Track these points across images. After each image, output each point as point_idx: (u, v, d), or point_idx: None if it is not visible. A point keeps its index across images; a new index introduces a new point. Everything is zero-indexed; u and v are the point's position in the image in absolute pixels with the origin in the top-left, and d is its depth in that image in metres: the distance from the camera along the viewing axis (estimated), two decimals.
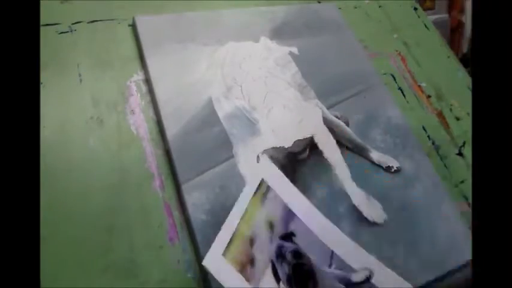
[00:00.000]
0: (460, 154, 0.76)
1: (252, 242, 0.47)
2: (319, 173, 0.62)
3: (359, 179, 0.63)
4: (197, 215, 0.54)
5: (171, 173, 0.57)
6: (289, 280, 0.46)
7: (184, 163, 0.57)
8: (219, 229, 0.53)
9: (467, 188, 0.72)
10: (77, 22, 0.64)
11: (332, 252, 0.49)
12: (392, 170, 0.66)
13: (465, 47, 1.79)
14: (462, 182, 0.72)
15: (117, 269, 0.49)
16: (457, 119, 0.81)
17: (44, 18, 0.61)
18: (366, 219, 0.60)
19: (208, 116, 0.62)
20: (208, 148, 0.59)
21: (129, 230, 0.52)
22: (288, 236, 0.48)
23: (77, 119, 0.57)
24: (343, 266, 0.50)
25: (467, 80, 0.88)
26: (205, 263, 0.44)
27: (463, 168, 0.74)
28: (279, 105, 0.66)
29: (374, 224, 0.60)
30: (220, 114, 0.62)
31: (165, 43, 0.65)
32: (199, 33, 0.69)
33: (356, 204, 0.61)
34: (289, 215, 0.50)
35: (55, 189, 0.51)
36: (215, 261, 0.44)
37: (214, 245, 0.45)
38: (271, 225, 0.49)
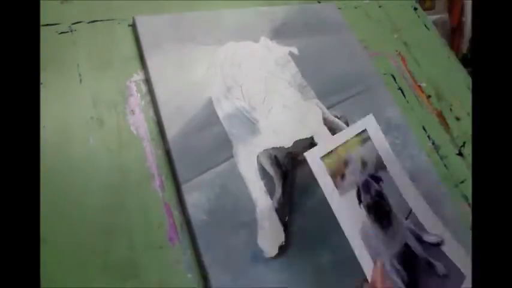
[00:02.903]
0: (460, 154, 0.76)
1: (346, 164, 0.53)
2: None
3: None
4: (197, 215, 0.54)
5: (171, 173, 0.57)
6: (369, 208, 0.53)
7: (184, 163, 0.57)
8: (219, 229, 0.53)
9: (467, 188, 0.72)
10: (77, 22, 0.64)
11: (411, 210, 0.55)
12: None
13: (465, 47, 1.79)
14: (462, 182, 0.72)
15: (117, 269, 0.49)
16: (457, 119, 0.81)
17: (44, 18, 0.61)
18: None
19: (208, 116, 0.62)
20: (208, 148, 0.59)
21: (129, 230, 0.52)
22: (376, 178, 0.55)
23: (77, 119, 0.57)
24: (418, 224, 0.55)
25: (467, 80, 0.88)
26: (306, 155, 0.50)
27: (463, 168, 0.74)
28: (279, 105, 0.66)
29: None
30: (220, 114, 0.62)
31: (165, 43, 0.65)
32: (199, 33, 0.69)
33: None
34: (380, 164, 0.57)
35: (55, 189, 0.51)
36: (315, 159, 0.51)
37: (316, 148, 0.52)
38: (364, 163, 0.55)
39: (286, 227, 0.56)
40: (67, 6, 0.65)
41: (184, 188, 0.55)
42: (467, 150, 0.76)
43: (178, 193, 0.56)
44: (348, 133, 0.55)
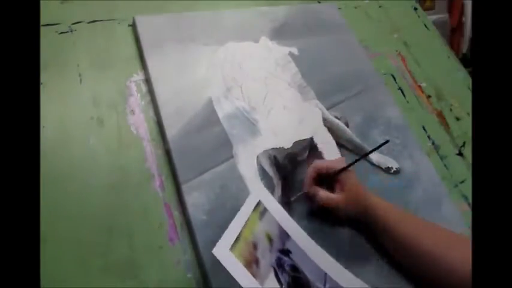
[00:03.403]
0: (460, 154, 0.76)
1: (255, 246, 0.50)
2: None
3: (358, 179, 0.63)
4: (197, 215, 0.54)
5: (171, 173, 0.57)
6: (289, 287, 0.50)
7: (184, 163, 0.57)
8: (219, 229, 0.53)
9: (467, 188, 0.72)
10: (77, 22, 0.64)
11: (325, 274, 0.52)
12: (392, 171, 0.66)
13: (465, 47, 1.79)
14: (462, 182, 0.72)
15: (117, 269, 0.49)
16: (457, 119, 0.81)
17: (44, 18, 0.61)
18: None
19: (208, 116, 0.62)
20: (208, 148, 0.59)
21: (129, 230, 0.52)
22: (285, 252, 0.52)
23: (77, 119, 0.57)
24: (337, 287, 0.52)
25: (467, 80, 0.88)
26: (215, 252, 0.46)
27: (463, 168, 0.74)
28: (279, 105, 0.66)
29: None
30: (220, 114, 0.62)
31: (165, 43, 0.65)
32: (199, 33, 0.69)
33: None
34: (285, 234, 0.53)
35: (55, 189, 0.51)
36: (224, 254, 0.47)
37: (222, 240, 0.48)
38: (269, 239, 0.52)
39: None
40: (67, 6, 0.65)
41: (184, 188, 0.55)
42: (467, 150, 0.76)
43: (178, 193, 0.56)
44: (245, 212, 0.52)
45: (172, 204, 0.55)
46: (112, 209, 0.52)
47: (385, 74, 0.81)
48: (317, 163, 0.58)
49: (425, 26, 0.93)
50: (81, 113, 0.57)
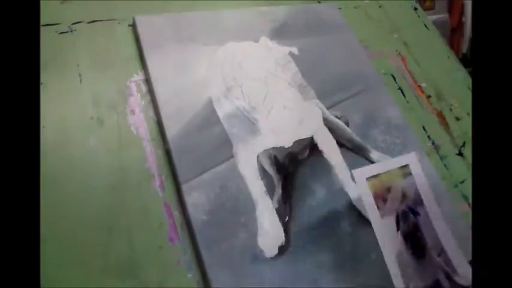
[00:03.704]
0: (460, 154, 0.76)
1: (388, 190, 0.56)
2: (319, 173, 0.62)
3: None
4: (197, 215, 0.54)
5: (171, 173, 0.57)
6: (405, 237, 0.55)
7: (184, 163, 0.57)
8: (219, 229, 0.53)
9: (467, 188, 0.71)
10: (77, 22, 0.64)
11: (443, 248, 0.56)
12: None
13: (465, 47, 1.79)
14: (462, 182, 0.72)
15: (117, 269, 0.49)
16: (457, 119, 0.81)
17: (44, 18, 0.61)
18: (365, 219, 0.60)
19: (208, 116, 0.62)
20: (208, 148, 0.59)
21: (129, 230, 0.52)
22: (414, 213, 0.56)
23: (77, 119, 0.57)
24: (449, 264, 0.56)
25: (467, 80, 0.88)
26: (354, 172, 0.55)
27: (463, 168, 0.74)
28: (279, 105, 0.66)
29: None
30: (220, 114, 0.62)
31: (165, 43, 0.65)
32: (199, 33, 0.69)
33: (355, 204, 0.61)
34: (419, 201, 0.58)
35: (55, 189, 0.51)
36: (361, 180, 0.55)
37: (363, 169, 0.56)
38: (404, 195, 0.57)
39: (286, 227, 0.56)
40: (67, 6, 0.65)
41: (184, 188, 0.55)
42: (467, 150, 0.76)
43: (178, 193, 0.56)
44: (391, 164, 0.59)
45: (172, 204, 0.55)
46: (112, 209, 0.52)
47: (385, 74, 0.81)
48: None
49: (425, 26, 0.93)
50: (81, 113, 0.57)
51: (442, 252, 0.56)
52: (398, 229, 0.55)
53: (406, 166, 0.59)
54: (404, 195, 0.57)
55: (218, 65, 0.67)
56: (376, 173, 0.56)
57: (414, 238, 0.55)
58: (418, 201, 0.58)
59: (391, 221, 0.55)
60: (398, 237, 0.54)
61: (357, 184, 0.54)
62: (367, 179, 0.55)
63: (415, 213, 0.57)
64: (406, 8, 0.94)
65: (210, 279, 0.50)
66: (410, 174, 0.59)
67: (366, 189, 0.54)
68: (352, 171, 0.54)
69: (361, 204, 0.61)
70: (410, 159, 0.60)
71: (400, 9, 0.93)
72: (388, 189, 0.56)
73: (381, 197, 0.55)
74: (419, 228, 0.56)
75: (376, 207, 0.54)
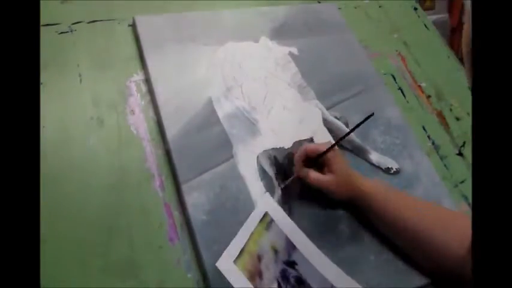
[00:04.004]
0: (460, 154, 0.76)
1: (259, 258, 0.51)
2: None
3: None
4: (197, 215, 0.54)
5: (171, 173, 0.57)
6: None
7: (184, 163, 0.57)
8: (219, 229, 0.53)
9: (467, 188, 0.71)
10: (77, 22, 0.64)
11: (332, 285, 0.52)
12: (392, 172, 0.66)
13: None
14: (462, 182, 0.72)
15: (117, 269, 0.49)
16: (457, 119, 0.81)
17: (44, 18, 0.61)
18: (364, 220, 0.60)
19: (208, 116, 0.62)
20: (208, 148, 0.59)
21: (129, 230, 0.52)
22: (291, 264, 0.52)
23: (77, 119, 0.57)
24: None
25: (467, 80, 0.88)
26: (218, 265, 0.48)
27: (463, 168, 0.74)
28: (279, 105, 0.66)
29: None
30: (220, 114, 0.62)
31: (165, 43, 0.65)
32: (199, 33, 0.69)
33: None
34: (291, 245, 0.53)
35: (55, 189, 0.51)
36: (228, 266, 0.48)
37: (226, 253, 0.49)
38: (275, 250, 0.52)
39: None
40: (67, 6, 0.65)
41: (184, 188, 0.55)
42: (467, 150, 0.76)
43: (178, 193, 0.56)
44: (251, 224, 0.53)
45: (172, 204, 0.55)
46: (112, 209, 0.52)
47: (385, 74, 0.81)
48: (306, 146, 0.58)
49: (425, 26, 0.93)
50: (81, 113, 0.57)
51: (332, 286, 0.52)
52: None
53: (265, 215, 0.53)
54: (275, 252, 0.52)
55: (218, 65, 0.67)
56: (240, 248, 0.50)
57: None
58: (291, 247, 0.53)
59: None
60: None
61: (226, 277, 0.47)
62: (235, 261, 0.49)
63: (293, 265, 0.52)
64: (406, 8, 0.94)
65: (210, 279, 0.50)
66: (272, 221, 0.54)
67: (238, 276, 0.48)
68: (217, 264, 0.48)
69: None
70: (264, 204, 0.55)
71: (400, 9, 0.93)
72: (259, 258, 0.51)
73: (256, 273, 0.49)
74: (301, 279, 0.51)
75: None
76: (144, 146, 0.58)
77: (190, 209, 0.54)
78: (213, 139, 0.60)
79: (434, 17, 1.61)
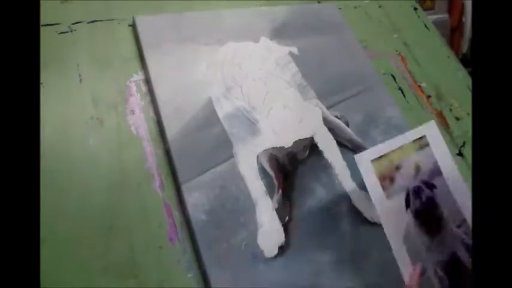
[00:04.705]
0: (460, 154, 0.76)
1: (398, 168, 0.55)
2: (319, 172, 0.62)
3: (358, 179, 0.63)
4: (197, 215, 0.54)
5: (171, 173, 0.57)
6: (416, 214, 0.53)
7: (184, 163, 0.57)
8: (219, 229, 0.53)
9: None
10: (77, 22, 0.64)
11: (464, 219, 0.53)
12: None
13: (465, 47, 1.79)
14: None
15: (117, 269, 0.49)
16: (457, 119, 0.81)
17: (44, 18, 0.61)
18: (365, 218, 0.60)
19: (208, 116, 0.62)
20: (208, 148, 0.59)
21: (129, 230, 0.52)
22: (430, 185, 0.54)
23: (77, 119, 0.57)
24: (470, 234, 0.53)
25: (467, 80, 0.88)
26: (356, 157, 0.54)
27: (463, 168, 0.74)
28: (279, 105, 0.66)
29: (374, 223, 0.60)
30: (220, 114, 0.62)
31: (165, 43, 0.65)
32: (199, 33, 0.69)
33: (355, 204, 0.61)
34: (436, 171, 0.55)
35: (55, 189, 0.51)
36: (364, 162, 0.54)
37: (368, 151, 0.56)
38: (418, 168, 0.55)
39: (286, 227, 0.56)
40: (67, 6, 0.65)
41: (184, 188, 0.55)
42: (467, 150, 0.76)
43: (178, 193, 0.56)
44: (404, 138, 0.57)
45: (172, 204, 0.55)
46: (112, 209, 0.52)
47: (385, 74, 0.81)
48: None
49: (425, 26, 0.93)
50: (81, 113, 0.57)
51: (463, 222, 0.53)
52: (407, 207, 0.53)
53: (422, 138, 0.56)
54: (418, 169, 0.55)
55: (218, 65, 0.67)
56: (383, 153, 0.55)
57: (427, 214, 0.53)
58: (435, 172, 0.55)
59: (399, 200, 0.53)
60: (407, 215, 0.53)
61: (360, 168, 0.53)
62: (372, 161, 0.54)
63: (431, 186, 0.54)
64: (406, 8, 0.94)
65: (210, 279, 0.50)
66: (427, 145, 0.56)
67: (369, 172, 0.53)
68: (355, 156, 0.54)
69: (360, 204, 0.61)
70: (428, 129, 0.57)
71: (400, 10, 0.93)
72: (398, 167, 0.55)
73: (388, 178, 0.54)
74: (434, 201, 0.53)
75: (381, 189, 0.53)
76: (144, 146, 0.58)
77: (190, 209, 0.54)
78: (213, 139, 0.60)
79: (434, 17, 1.61)
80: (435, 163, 0.55)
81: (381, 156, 0.54)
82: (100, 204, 0.52)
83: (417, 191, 0.53)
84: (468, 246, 0.52)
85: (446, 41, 1.07)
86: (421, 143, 0.56)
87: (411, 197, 0.53)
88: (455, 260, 0.52)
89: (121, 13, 0.67)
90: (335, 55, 0.77)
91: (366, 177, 0.53)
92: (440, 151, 0.56)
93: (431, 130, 0.57)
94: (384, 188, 0.53)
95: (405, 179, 0.54)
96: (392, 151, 0.55)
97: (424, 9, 0.99)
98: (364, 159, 0.54)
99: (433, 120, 0.58)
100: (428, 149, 0.56)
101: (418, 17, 0.94)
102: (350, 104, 0.71)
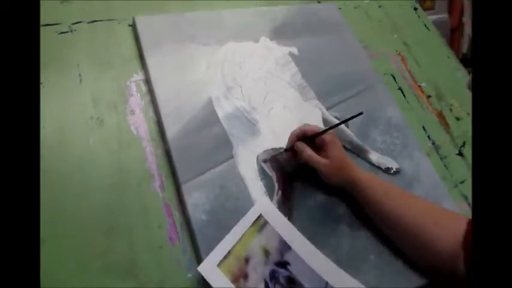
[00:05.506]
0: (460, 154, 0.76)
1: (247, 260, 0.51)
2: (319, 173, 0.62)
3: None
4: (197, 215, 0.54)
5: (171, 173, 0.57)
6: None
7: (184, 163, 0.57)
8: (219, 229, 0.53)
9: (467, 188, 0.71)
10: (77, 22, 0.64)
11: (326, 283, 0.52)
12: (392, 172, 0.66)
13: (465, 47, 1.79)
14: (462, 182, 0.72)
15: (117, 269, 0.49)
16: (457, 119, 0.81)
17: (44, 18, 0.61)
18: (364, 220, 0.60)
19: (208, 116, 0.62)
20: (208, 148, 0.59)
21: (129, 230, 0.52)
22: (283, 264, 0.52)
23: (77, 119, 0.57)
24: None
25: (467, 80, 0.88)
26: (200, 269, 0.49)
27: (463, 168, 0.74)
28: (279, 105, 0.66)
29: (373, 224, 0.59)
30: (220, 114, 0.62)
31: (165, 43, 0.65)
32: (199, 33, 0.69)
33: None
34: (284, 247, 0.54)
35: (55, 189, 0.51)
36: (210, 270, 0.49)
37: (210, 256, 0.50)
38: (266, 252, 0.52)
39: None
40: (67, 6, 0.65)
41: (184, 188, 0.55)
42: (467, 150, 0.76)
43: (178, 193, 0.56)
44: (241, 227, 0.53)
45: (172, 204, 0.55)
46: (112, 209, 0.52)
47: (385, 74, 0.81)
48: (304, 125, 0.59)
49: (425, 26, 0.93)
50: (81, 113, 0.57)
51: (327, 285, 0.52)
52: None
53: (259, 217, 0.54)
54: (267, 253, 0.52)
55: (218, 65, 0.67)
56: (226, 252, 0.50)
57: None
58: (285, 248, 0.53)
59: None
60: None
61: (208, 281, 0.48)
62: (219, 265, 0.49)
63: (285, 265, 0.52)
64: (406, 8, 0.94)
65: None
66: (266, 223, 0.54)
67: (220, 279, 0.48)
68: (199, 268, 0.49)
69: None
70: (260, 206, 0.55)
71: (400, 9, 0.93)
72: (247, 260, 0.51)
73: (241, 276, 0.50)
74: (292, 278, 0.51)
75: None
76: (144, 146, 0.58)
77: (190, 209, 0.54)
78: (213, 139, 0.60)
79: (434, 17, 1.62)
80: (280, 239, 0.53)
81: (226, 256, 0.50)
82: (100, 204, 0.52)
83: (272, 275, 0.51)
84: None
85: (446, 41, 1.07)
86: (260, 224, 0.54)
87: (270, 284, 0.50)
88: None
89: (121, 13, 0.67)
90: (335, 55, 0.77)
91: (217, 285, 0.48)
92: (280, 225, 0.54)
93: (264, 206, 0.55)
94: None
95: (258, 270, 0.51)
96: (235, 245, 0.51)
97: (424, 9, 0.99)
98: (209, 268, 0.49)
99: (264, 196, 0.57)
100: (268, 227, 0.54)
101: (418, 17, 0.94)
102: (350, 105, 0.71)
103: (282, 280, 0.51)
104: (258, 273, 0.51)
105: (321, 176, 0.58)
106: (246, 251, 0.52)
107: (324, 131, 0.58)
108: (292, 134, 0.59)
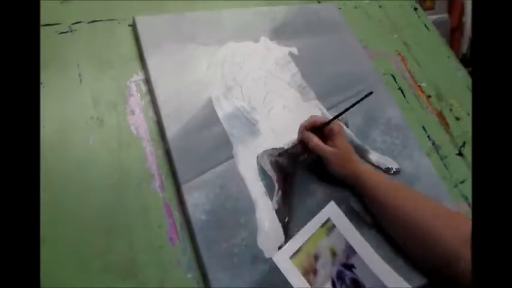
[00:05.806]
0: (460, 154, 0.76)
1: (316, 258, 0.55)
2: (319, 174, 0.62)
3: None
4: (197, 215, 0.54)
5: (171, 173, 0.57)
6: None
7: (184, 163, 0.57)
8: (219, 229, 0.53)
9: (467, 188, 0.72)
10: (77, 22, 0.64)
11: None
12: (392, 172, 0.66)
13: (465, 47, 1.79)
14: (462, 182, 0.72)
15: (117, 269, 0.49)
16: (457, 119, 0.81)
17: (44, 18, 0.61)
18: (363, 220, 0.60)
19: (208, 116, 0.62)
20: (208, 148, 0.59)
21: (129, 230, 0.52)
22: (349, 266, 0.55)
23: (77, 119, 0.57)
24: None
25: (467, 80, 0.88)
26: (275, 258, 0.53)
27: (463, 168, 0.74)
28: (279, 105, 0.66)
29: (373, 224, 0.59)
30: (220, 114, 0.62)
31: (165, 43, 0.65)
32: (199, 33, 0.69)
33: (353, 206, 0.61)
34: (350, 250, 0.56)
35: (55, 189, 0.51)
36: (283, 261, 0.53)
37: (283, 249, 0.53)
38: (333, 253, 0.55)
39: (285, 227, 0.56)
40: (67, 6, 0.65)
41: (184, 188, 0.55)
42: (467, 150, 0.76)
43: (178, 193, 0.56)
44: (312, 227, 0.56)
45: (172, 204, 0.55)
46: (112, 209, 0.52)
47: (385, 74, 0.81)
48: (313, 117, 0.61)
49: (425, 26, 0.93)
50: (81, 113, 0.57)
51: None
52: None
53: (327, 221, 0.57)
54: (333, 254, 0.55)
55: (218, 65, 0.67)
56: (298, 247, 0.54)
57: None
58: (350, 252, 0.56)
59: None
60: None
61: (281, 270, 0.52)
62: (291, 258, 0.53)
63: (351, 267, 0.55)
64: (406, 8, 0.94)
65: (210, 279, 0.50)
66: (333, 227, 0.57)
67: (292, 270, 0.52)
68: (273, 258, 0.53)
69: (359, 206, 0.61)
70: (329, 211, 0.58)
71: (400, 9, 0.93)
72: (316, 257, 0.54)
73: (311, 270, 0.53)
74: (359, 282, 0.54)
75: (308, 285, 0.52)
76: (144, 146, 0.58)
77: (190, 209, 0.54)
78: (213, 139, 0.60)
79: (434, 17, 1.62)
80: (347, 243, 0.56)
81: (297, 251, 0.54)
82: (100, 204, 0.52)
83: (340, 277, 0.54)
84: None
85: (446, 41, 1.07)
86: (328, 226, 0.57)
87: (337, 284, 0.53)
88: None
89: (121, 13, 0.67)
90: (335, 55, 0.77)
91: (290, 277, 0.52)
92: (347, 230, 0.57)
93: (332, 211, 0.58)
94: (310, 283, 0.52)
95: (326, 268, 0.54)
96: (306, 242, 0.55)
97: (424, 9, 0.99)
98: (282, 259, 0.53)
99: (332, 201, 0.59)
100: (336, 230, 0.57)
101: (418, 17, 0.94)
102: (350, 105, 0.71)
103: (348, 281, 0.54)
104: (326, 270, 0.54)
105: (326, 166, 0.59)
106: (315, 249, 0.55)
107: (334, 118, 0.59)
108: (301, 125, 0.60)
